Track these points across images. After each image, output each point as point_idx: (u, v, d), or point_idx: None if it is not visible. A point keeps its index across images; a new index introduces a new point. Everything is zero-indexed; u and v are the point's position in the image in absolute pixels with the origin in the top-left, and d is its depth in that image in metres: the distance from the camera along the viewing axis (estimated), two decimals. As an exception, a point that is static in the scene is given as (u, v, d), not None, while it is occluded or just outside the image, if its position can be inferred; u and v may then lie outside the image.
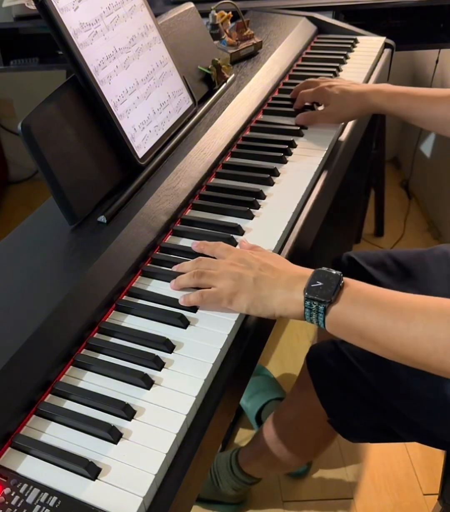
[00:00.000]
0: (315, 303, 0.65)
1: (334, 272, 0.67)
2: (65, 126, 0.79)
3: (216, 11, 1.27)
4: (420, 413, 0.88)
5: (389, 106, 1.02)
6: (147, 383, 0.63)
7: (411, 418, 0.89)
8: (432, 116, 1.00)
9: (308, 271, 0.69)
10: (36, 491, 0.53)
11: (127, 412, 0.60)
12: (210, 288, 0.71)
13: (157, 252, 0.82)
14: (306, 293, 0.66)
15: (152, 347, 0.67)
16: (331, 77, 1.24)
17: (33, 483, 0.54)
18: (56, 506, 0.52)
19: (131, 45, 0.90)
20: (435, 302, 0.62)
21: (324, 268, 0.68)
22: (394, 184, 2.33)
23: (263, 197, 0.91)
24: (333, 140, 1.04)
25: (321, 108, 1.11)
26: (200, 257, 0.76)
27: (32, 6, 1.47)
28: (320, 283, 0.66)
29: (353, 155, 1.20)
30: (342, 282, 0.66)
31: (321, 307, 0.65)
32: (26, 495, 0.53)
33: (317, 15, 1.48)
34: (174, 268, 0.78)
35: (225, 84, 1.13)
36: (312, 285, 0.66)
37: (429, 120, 1.01)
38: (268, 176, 0.94)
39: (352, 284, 0.66)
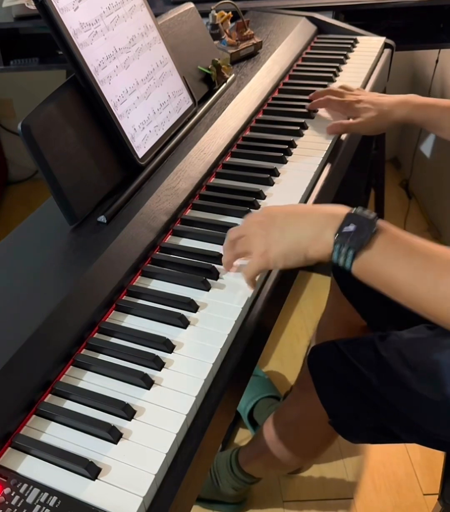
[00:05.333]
0: (344, 247, 0.64)
1: (368, 215, 0.64)
2: (65, 126, 0.79)
3: (216, 11, 1.27)
4: (420, 414, 0.88)
5: (419, 117, 1.03)
6: (147, 383, 0.63)
7: (412, 419, 0.89)
8: None
9: (338, 210, 0.66)
10: (36, 491, 0.53)
11: (127, 412, 0.60)
12: (245, 252, 0.72)
13: (157, 252, 0.81)
14: (337, 236, 0.64)
15: (152, 347, 0.67)
16: (331, 77, 1.24)
17: (33, 483, 0.54)
18: (56, 506, 0.52)
19: (131, 45, 0.90)
20: None
21: (359, 210, 0.65)
22: (394, 184, 2.33)
23: (263, 197, 0.91)
24: (333, 140, 1.04)
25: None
26: (229, 229, 0.75)
27: (32, 6, 1.47)
28: (353, 228, 0.64)
29: (353, 155, 1.20)
30: (375, 228, 0.63)
31: (350, 252, 0.63)
32: (26, 495, 0.53)
33: (317, 15, 1.48)
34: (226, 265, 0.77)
35: (225, 84, 1.13)
36: (344, 229, 0.64)
37: None
38: (268, 176, 0.94)
39: (387, 231, 0.64)
